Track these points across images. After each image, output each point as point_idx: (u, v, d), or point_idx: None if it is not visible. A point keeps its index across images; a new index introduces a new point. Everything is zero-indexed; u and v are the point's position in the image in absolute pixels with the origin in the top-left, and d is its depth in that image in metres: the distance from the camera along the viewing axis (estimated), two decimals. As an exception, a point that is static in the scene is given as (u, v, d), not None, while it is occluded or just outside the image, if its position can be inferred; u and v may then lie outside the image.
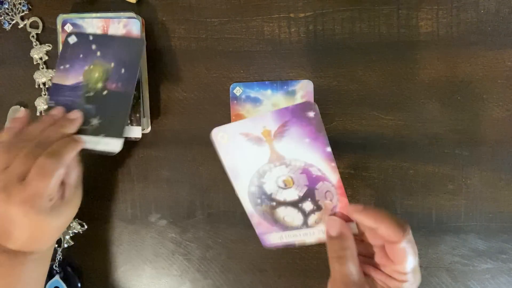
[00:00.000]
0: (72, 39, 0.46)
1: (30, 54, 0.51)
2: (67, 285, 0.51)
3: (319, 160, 0.36)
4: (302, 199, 0.37)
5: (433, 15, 0.44)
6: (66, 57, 0.46)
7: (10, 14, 0.51)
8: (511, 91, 0.43)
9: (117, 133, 0.43)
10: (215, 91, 0.47)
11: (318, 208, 0.37)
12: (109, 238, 0.51)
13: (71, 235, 0.51)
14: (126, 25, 0.46)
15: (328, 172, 0.36)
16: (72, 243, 0.51)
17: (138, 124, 0.46)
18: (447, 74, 0.44)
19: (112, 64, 0.45)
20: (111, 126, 0.43)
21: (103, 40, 0.46)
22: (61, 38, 0.48)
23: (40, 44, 0.51)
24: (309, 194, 0.37)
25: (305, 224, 0.38)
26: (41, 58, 0.50)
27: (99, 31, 0.47)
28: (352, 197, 0.46)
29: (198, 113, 0.48)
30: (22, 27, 0.51)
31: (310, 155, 0.36)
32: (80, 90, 0.45)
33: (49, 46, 0.50)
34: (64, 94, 0.45)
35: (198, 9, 0.47)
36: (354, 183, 0.46)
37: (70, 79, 0.45)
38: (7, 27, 0.51)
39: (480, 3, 0.43)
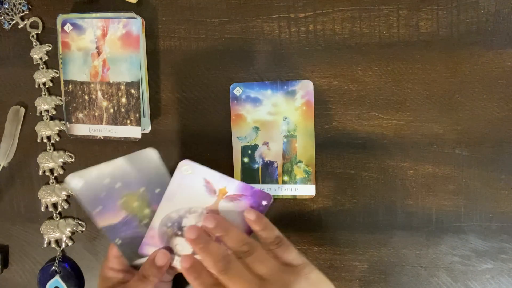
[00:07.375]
0: (78, 183, 0.38)
1: (30, 54, 0.51)
2: (67, 285, 0.51)
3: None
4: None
5: (433, 15, 0.44)
6: (88, 203, 0.39)
7: (10, 14, 0.51)
8: (511, 91, 0.43)
9: None
10: (215, 91, 0.47)
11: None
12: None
13: (71, 235, 0.51)
14: (126, 25, 0.46)
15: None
16: (72, 242, 0.51)
17: (138, 124, 0.46)
18: (447, 74, 0.44)
19: (142, 189, 0.41)
20: None
21: (113, 168, 0.40)
22: (60, 38, 0.48)
23: (40, 44, 0.51)
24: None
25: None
26: (41, 58, 0.50)
27: (99, 31, 0.47)
28: (352, 197, 0.46)
29: (198, 113, 0.48)
30: (22, 27, 0.51)
31: (238, 224, 0.40)
32: (134, 222, 0.41)
33: (49, 46, 0.50)
34: (122, 230, 0.41)
35: (198, 9, 0.47)
36: (354, 183, 0.46)
37: (114, 216, 0.40)
38: (7, 27, 0.51)
39: (480, 3, 0.43)
